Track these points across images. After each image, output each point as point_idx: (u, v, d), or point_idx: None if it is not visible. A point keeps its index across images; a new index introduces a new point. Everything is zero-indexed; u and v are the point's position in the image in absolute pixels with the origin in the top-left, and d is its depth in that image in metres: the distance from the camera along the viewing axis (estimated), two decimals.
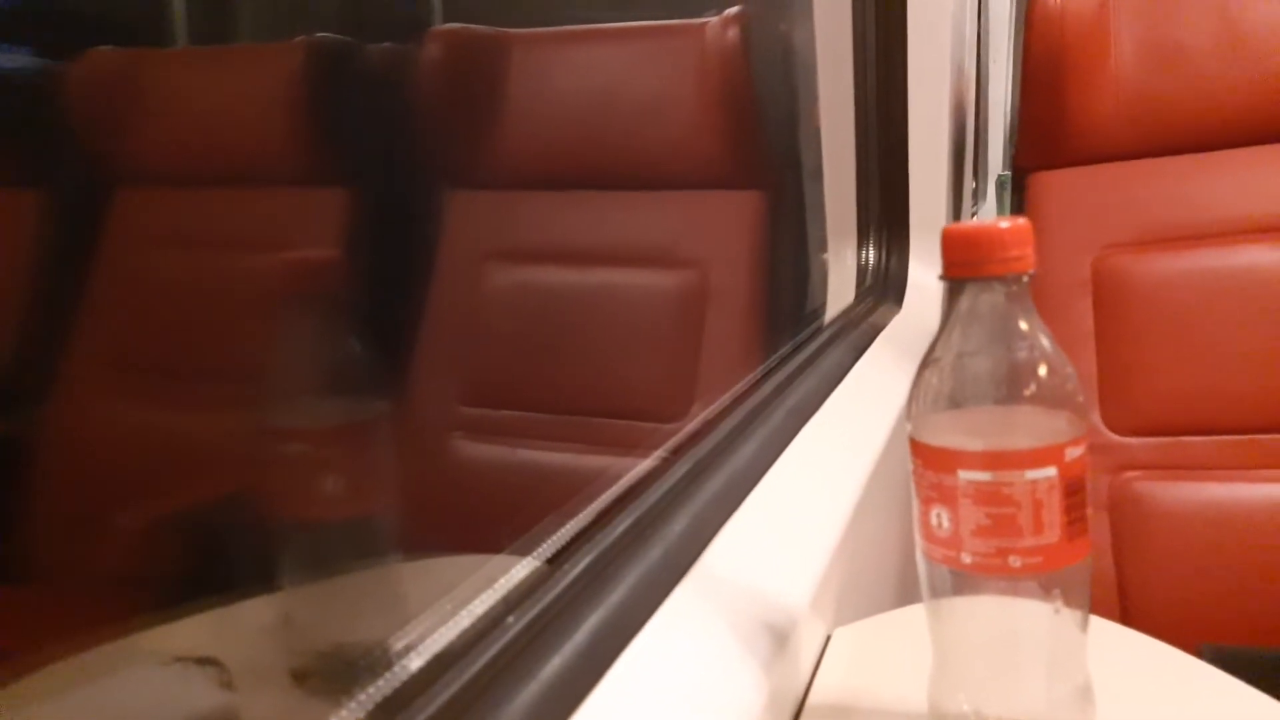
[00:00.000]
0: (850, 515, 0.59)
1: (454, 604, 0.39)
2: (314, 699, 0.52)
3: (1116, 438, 1.00)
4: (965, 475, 0.38)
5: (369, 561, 0.54)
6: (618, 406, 1.14)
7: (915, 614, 0.54)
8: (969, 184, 1.43)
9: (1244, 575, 0.92)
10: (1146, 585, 0.94)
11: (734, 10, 1.12)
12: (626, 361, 1.16)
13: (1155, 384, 0.99)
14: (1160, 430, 0.99)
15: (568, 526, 0.47)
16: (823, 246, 1.16)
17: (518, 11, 1.30)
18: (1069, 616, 0.39)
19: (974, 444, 0.38)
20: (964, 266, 0.38)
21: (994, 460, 0.37)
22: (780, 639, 0.46)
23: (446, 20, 1.24)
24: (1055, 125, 1.08)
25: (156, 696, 0.49)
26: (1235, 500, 0.94)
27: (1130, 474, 0.98)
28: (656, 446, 0.63)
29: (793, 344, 0.86)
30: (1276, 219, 1.01)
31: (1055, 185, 1.09)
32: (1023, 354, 0.38)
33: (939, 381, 0.40)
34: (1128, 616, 0.93)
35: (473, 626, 0.37)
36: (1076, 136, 1.08)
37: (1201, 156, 1.05)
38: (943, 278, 0.39)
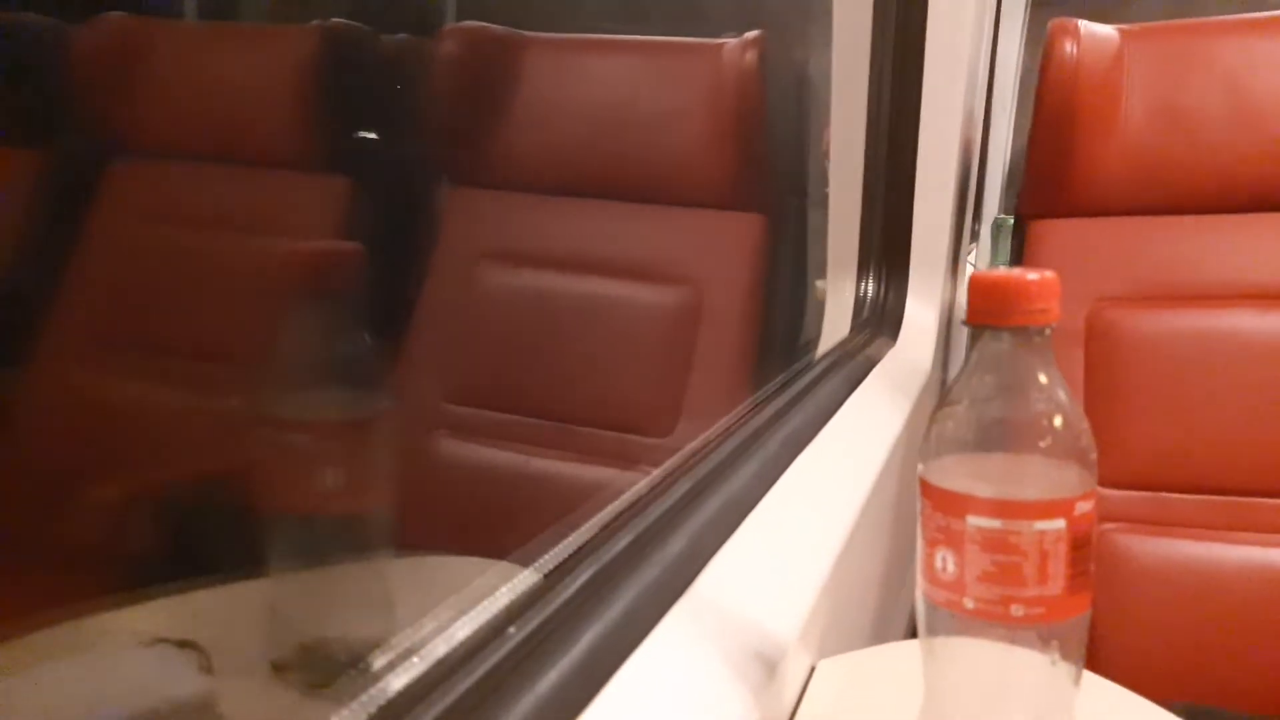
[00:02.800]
0: (841, 548, 0.59)
1: (454, 611, 0.39)
2: (293, 691, 0.51)
3: (1099, 489, 1.01)
4: (974, 521, 0.38)
5: (352, 556, 0.54)
6: (602, 417, 1.14)
7: (898, 651, 0.55)
8: (968, 224, 1.44)
9: (1215, 636, 0.93)
10: (1118, 638, 0.94)
11: (753, 34, 1.13)
12: (615, 372, 1.16)
13: (1139, 438, 1.01)
14: (1142, 485, 1.00)
15: (568, 540, 0.46)
16: (821, 275, 1.16)
17: (529, 13, 1.30)
18: (1064, 669, 0.39)
19: (985, 490, 0.38)
20: (989, 314, 0.39)
21: (1005, 509, 0.37)
22: (769, 668, 0.46)
23: (460, 18, 1.24)
24: (1061, 175, 1.10)
25: (135, 676, 0.49)
26: (1211, 560, 0.95)
27: (1110, 526, 0.99)
28: (641, 460, 0.63)
29: (788, 373, 0.87)
30: (1268, 286, 1.02)
31: (1055, 234, 1.11)
32: (1040, 405, 0.39)
33: (954, 425, 0.40)
34: (1097, 668, 0.94)
35: (474, 635, 0.37)
36: (1080, 188, 1.09)
37: (1200, 219, 1.06)
38: (966, 323, 0.39)
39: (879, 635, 0.79)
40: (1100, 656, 0.95)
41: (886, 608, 0.82)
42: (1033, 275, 0.38)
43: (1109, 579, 0.96)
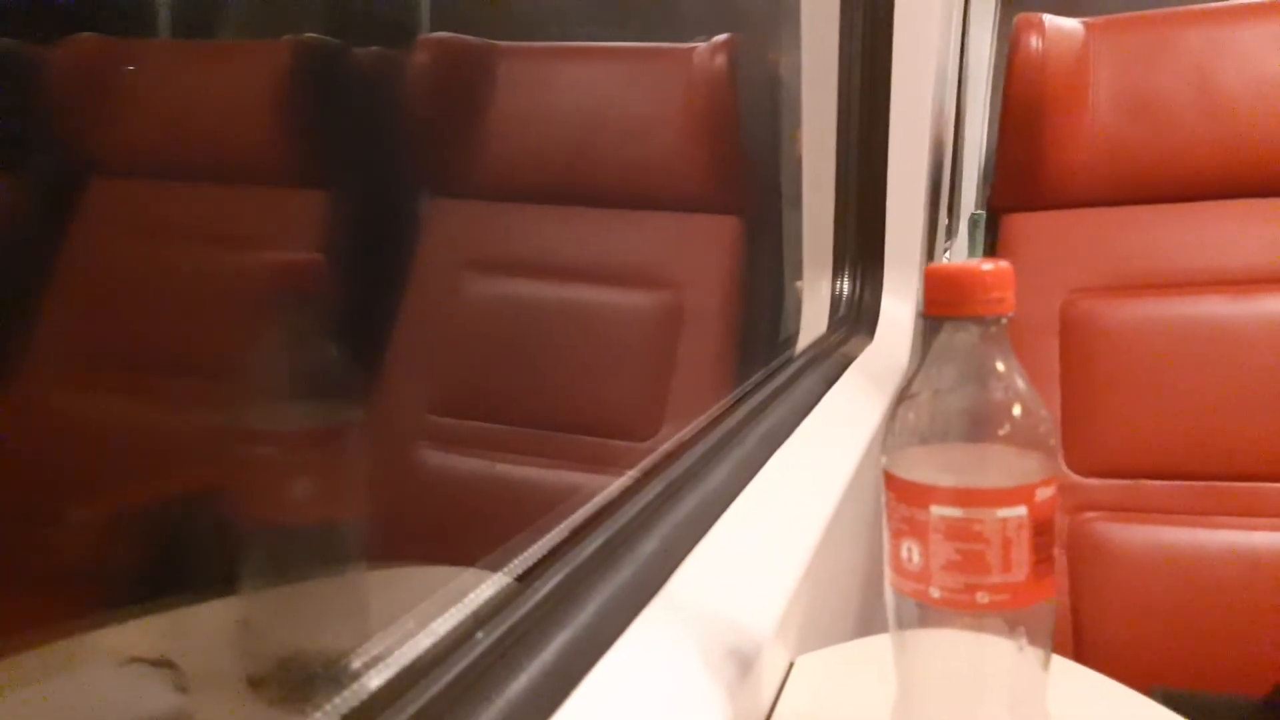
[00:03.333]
0: (817, 543, 0.60)
1: (422, 617, 0.39)
2: (270, 707, 0.51)
3: (1077, 478, 1.01)
4: (937, 510, 0.38)
5: (332, 569, 0.54)
6: (587, 423, 1.14)
7: (877, 645, 0.55)
8: (942, 221, 1.45)
9: (1196, 620, 0.93)
10: (1101, 625, 0.95)
11: (723, 37, 1.13)
12: (598, 378, 1.16)
13: (1117, 427, 1.01)
14: (1120, 473, 1.00)
15: (539, 544, 0.46)
16: (798, 275, 1.17)
17: (506, 22, 1.30)
18: (1032, 655, 0.39)
19: (947, 480, 0.38)
20: (945, 305, 0.39)
21: (966, 497, 0.38)
22: (745, 665, 0.46)
23: (434, 29, 1.24)
24: (1031, 168, 1.10)
25: (110, 696, 0.49)
26: (1190, 546, 0.96)
27: (1089, 514, 0.99)
28: (624, 464, 0.63)
29: (766, 371, 0.87)
30: (1239, 272, 1.03)
31: (1028, 227, 1.11)
32: (999, 394, 0.39)
33: (915, 416, 0.40)
34: (1081, 656, 0.95)
35: (441, 641, 0.37)
36: (1051, 180, 1.10)
37: (1171, 207, 1.07)
38: (924, 315, 0.40)
39: (864, 630, 0.79)
40: (1083, 645, 0.96)
41: (871, 602, 0.82)
42: (987, 266, 0.39)
43: (1090, 568, 0.97)
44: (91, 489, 0.61)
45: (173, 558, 0.59)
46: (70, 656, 0.50)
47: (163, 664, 0.49)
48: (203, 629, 0.54)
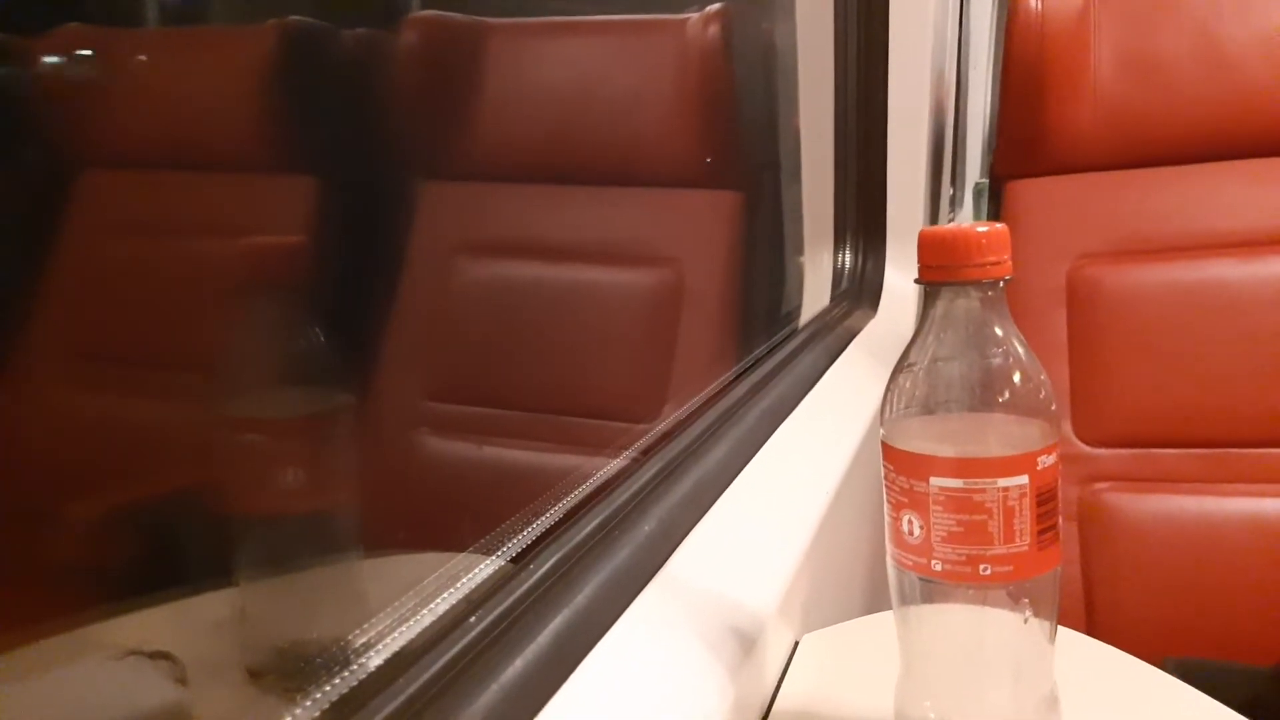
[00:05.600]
0: (820, 520, 0.59)
1: (415, 602, 0.38)
2: (269, 696, 0.50)
3: (1087, 448, 1.00)
4: (937, 482, 0.37)
5: (329, 558, 0.53)
6: (589, 405, 1.13)
7: (884, 621, 0.54)
8: (946, 190, 1.43)
9: (1210, 589, 0.92)
10: (1113, 597, 0.94)
11: (715, 7, 1.11)
12: (599, 359, 1.15)
13: (1126, 395, 1.00)
14: (1130, 442, 0.99)
15: (534, 525, 0.46)
16: (799, 248, 1.15)
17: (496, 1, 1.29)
18: (1037, 626, 0.38)
19: (946, 450, 0.37)
20: (940, 270, 0.38)
21: (966, 467, 0.37)
22: (747, 644, 0.45)
23: (424, 8, 1.23)
24: (1034, 133, 1.09)
25: (108, 690, 0.48)
26: (1203, 514, 0.95)
27: (1100, 485, 0.98)
28: (627, 446, 0.63)
29: (767, 346, 0.86)
30: (1247, 234, 1.02)
31: (1032, 193, 1.10)
32: (997, 361, 0.38)
33: (913, 386, 0.39)
34: (1093, 628, 0.94)
35: (434, 625, 0.36)
36: (1054, 145, 1.08)
37: (1176, 170, 1.05)
38: (919, 281, 0.39)
39: (873, 607, 0.78)
40: (1094, 617, 0.95)
41: (879, 579, 0.81)
42: (983, 228, 0.37)
43: (1101, 539, 0.96)
44: (85, 483, 0.60)
45: (169, 550, 0.59)
46: (67, 650, 0.50)
47: (161, 656, 0.49)
48: (200, 620, 0.54)
